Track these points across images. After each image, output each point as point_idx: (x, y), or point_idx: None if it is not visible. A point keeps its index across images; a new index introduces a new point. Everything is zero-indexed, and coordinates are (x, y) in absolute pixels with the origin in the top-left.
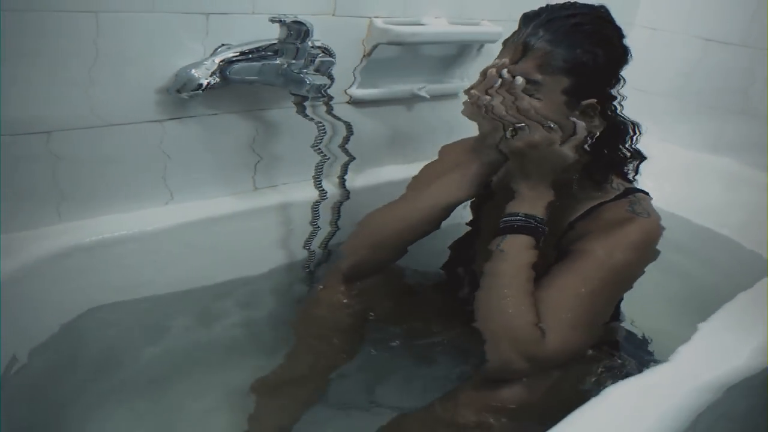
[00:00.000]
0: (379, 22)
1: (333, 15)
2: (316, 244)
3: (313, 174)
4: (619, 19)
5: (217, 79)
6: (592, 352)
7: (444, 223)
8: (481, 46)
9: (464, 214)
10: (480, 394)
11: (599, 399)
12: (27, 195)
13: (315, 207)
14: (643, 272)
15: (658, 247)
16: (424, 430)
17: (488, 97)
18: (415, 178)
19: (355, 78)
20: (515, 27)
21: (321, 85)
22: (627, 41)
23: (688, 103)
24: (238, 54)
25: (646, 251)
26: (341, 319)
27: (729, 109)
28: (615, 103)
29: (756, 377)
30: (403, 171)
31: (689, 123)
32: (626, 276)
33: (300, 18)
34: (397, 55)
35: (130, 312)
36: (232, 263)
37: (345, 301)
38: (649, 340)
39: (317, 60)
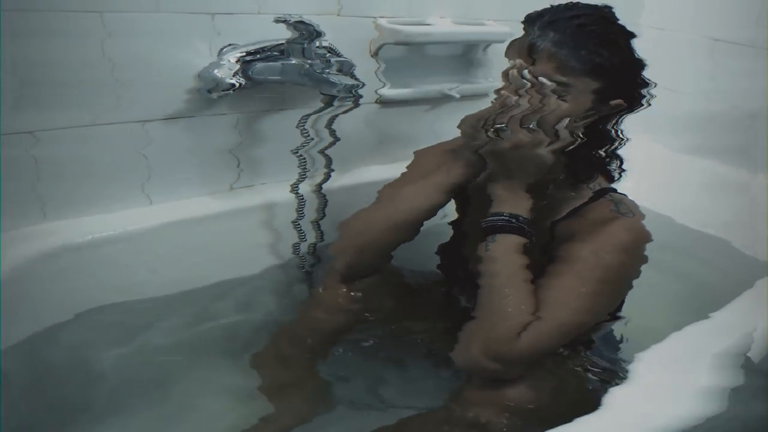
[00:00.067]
0: (384, 22)
1: (338, 15)
2: (305, 245)
3: (297, 177)
4: (623, 18)
5: (242, 80)
6: (565, 352)
7: (443, 221)
8: (487, 46)
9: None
10: (484, 393)
11: (603, 406)
12: (11, 195)
13: (300, 208)
14: (637, 270)
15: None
16: (428, 429)
17: (516, 97)
18: (401, 175)
19: (379, 78)
20: (519, 26)
21: (353, 85)
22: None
23: (686, 103)
24: (247, 53)
25: (638, 250)
26: (338, 319)
27: (725, 109)
28: (643, 101)
29: (756, 377)
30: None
31: (687, 122)
32: (620, 276)
33: (305, 18)
34: (402, 55)
35: (118, 314)
36: (222, 263)
37: (344, 301)
38: (625, 341)
39: (334, 60)
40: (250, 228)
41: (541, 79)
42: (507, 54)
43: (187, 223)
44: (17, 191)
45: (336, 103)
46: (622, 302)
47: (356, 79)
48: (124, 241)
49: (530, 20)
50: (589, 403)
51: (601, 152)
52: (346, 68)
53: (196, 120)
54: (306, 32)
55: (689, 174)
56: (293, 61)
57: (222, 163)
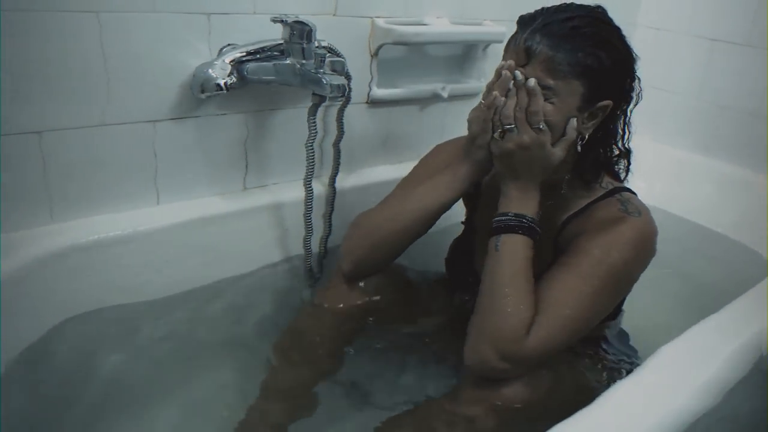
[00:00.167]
0: (381, 23)
1: (334, 15)
2: (314, 243)
3: (305, 173)
4: (620, 19)
5: (235, 79)
6: (578, 349)
7: (446, 222)
8: (487, 45)
9: (463, 212)
10: (481, 391)
11: (600, 402)
12: (19, 195)
13: (308, 204)
14: (642, 271)
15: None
16: (424, 427)
17: (503, 99)
18: (406, 177)
19: (372, 77)
20: (515, 27)
21: (341, 85)
22: (629, 41)
23: (686, 103)
24: (246, 54)
25: (643, 250)
26: (344, 318)
27: (726, 109)
28: (631, 102)
29: (756, 378)
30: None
31: (686, 123)
32: (625, 275)
33: (301, 18)
34: (402, 55)
35: (124, 314)
36: (229, 262)
37: (349, 301)
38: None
39: (327, 60)
40: (258, 227)
41: (531, 80)
42: (504, 56)
43: (195, 223)
44: (25, 191)
45: (327, 102)
46: (623, 300)
47: (348, 78)
48: (132, 241)
49: (524, 23)
50: (586, 400)
51: (608, 152)
52: (339, 68)
53: (201, 120)
54: (303, 32)
55: (698, 173)
56: (287, 61)
57: (230, 163)
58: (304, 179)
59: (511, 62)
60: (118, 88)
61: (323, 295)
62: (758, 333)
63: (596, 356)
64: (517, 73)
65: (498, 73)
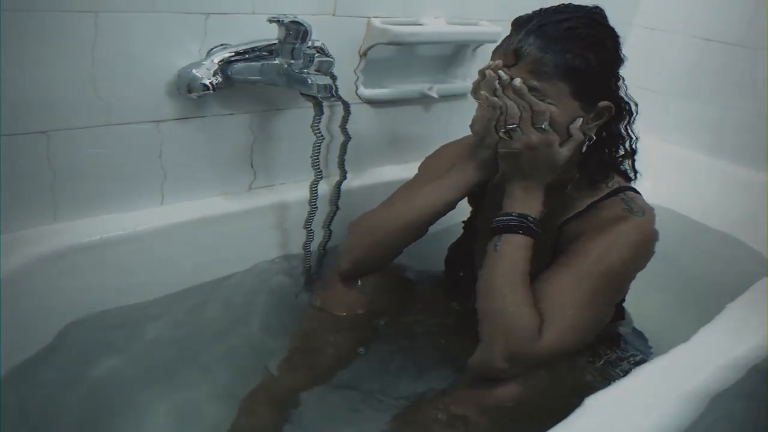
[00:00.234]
0: (377, 22)
1: (333, 15)
2: (315, 243)
3: (313, 176)
4: (618, 19)
5: (220, 79)
6: (590, 352)
7: (446, 223)
8: (477, 46)
9: (466, 213)
10: (475, 391)
11: (599, 401)
12: (23, 194)
13: (312, 205)
14: (640, 270)
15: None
16: (418, 427)
17: (497, 99)
18: (414, 176)
19: (357, 77)
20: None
21: (328, 85)
22: (624, 42)
23: (686, 103)
24: (234, 54)
25: (644, 250)
26: (344, 319)
27: (727, 109)
28: (632, 104)
29: (755, 378)
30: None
31: (686, 122)
32: (624, 275)
33: (299, 18)
34: (394, 54)
35: (128, 313)
36: (232, 263)
37: (346, 301)
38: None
39: (315, 60)
40: (262, 227)
41: (516, 80)
42: (492, 56)
43: (199, 223)
44: (29, 191)
45: (326, 103)
46: (623, 299)
47: (333, 78)
48: (136, 241)
49: (519, 24)
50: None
51: (613, 152)
52: (325, 68)
53: (207, 120)
54: (298, 32)
55: (702, 173)
56: (275, 61)
57: (235, 163)
58: (311, 183)
59: (498, 62)
60: (120, 88)
61: (322, 297)
62: (758, 333)
63: (599, 356)
64: (501, 72)
65: (482, 74)
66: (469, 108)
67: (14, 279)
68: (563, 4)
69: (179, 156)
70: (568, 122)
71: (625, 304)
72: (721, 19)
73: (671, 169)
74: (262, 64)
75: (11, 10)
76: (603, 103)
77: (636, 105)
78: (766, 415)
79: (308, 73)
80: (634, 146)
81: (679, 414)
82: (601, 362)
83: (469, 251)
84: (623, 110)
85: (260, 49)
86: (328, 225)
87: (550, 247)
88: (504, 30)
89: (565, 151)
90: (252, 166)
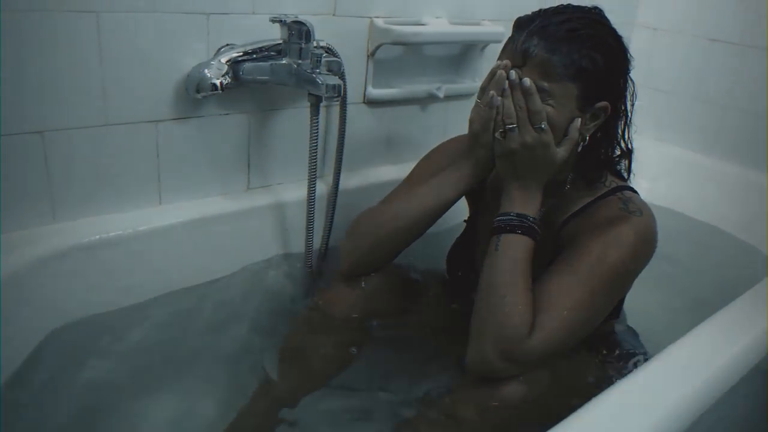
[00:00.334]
0: (380, 23)
1: (333, 15)
2: (315, 243)
3: (308, 173)
4: (619, 19)
5: (229, 80)
6: (588, 351)
7: (447, 222)
8: (485, 46)
9: (466, 212)
10: (478, 391)
11: (598, 401)
12: (22, 195)
13: (310, 204)
14: (641, 270)
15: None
16: (419, 428)
17: (500, 98)
18: (408, 176)
19: (367, 78)
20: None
21: (337, 85)
22: (625, 41)
23: (686, 103)
24: (243, 54)
25: (645, 250)
26: (345, 320)
27: (726, 109)
28: (627, 102)
29: (756, 378)
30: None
31: (686, 122)
32: (624, 275)
33: (300, 18)
34: (400, 55)
35: (127, 313)
36: (230, 262)
37: (349, 302)
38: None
39: (324, 60)
40: (260, 227)
41: (526, 80)
42: (500, 56)
43: (197, 223)
44: (27, 191)
45: (323, 102)
46: (623, 298)
47: (343, 79)
48: (134, 241)
49: (521, 25)
50: (585, 399)
51: (609, 151)
52: (335, 68)
53: (204, 120)
54: (301, 32)
55: (700, 173)
56: (283, 61)
57: (233, 163)
58: (308, 180)
59: (507, 62)
60: (119, 87)
61: (323, 297)
62: (758, 333)
63: (598, 354)
64: (512, 72)
65: (492, 73)
66: (468, 108)
67: (14, 279)
68: (562, 4)
69: (177, 156)
70: (566, 123)
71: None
72: (721, 19)
73: (671, 168)
74: (272, 64)
75: (11, 10)
76: (600, 104)
77: (633, 105)
78: (766, 415)
79: (318, 73)
80: (630, 146)
81: (679, 414)
82: (601, 361)
83: (470, 251)
84: (620, 110)
85: (267, 49)
86: (328, 225)
87: (550, 246)
88: (506, 30)
89: (562, 151)
90: (249, 166)
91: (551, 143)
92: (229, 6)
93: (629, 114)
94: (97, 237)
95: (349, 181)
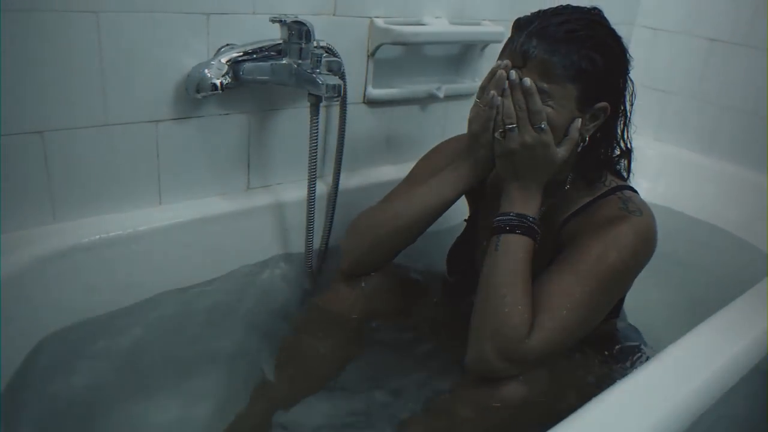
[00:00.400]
0: (380, 23)
1: (333, 15)
2: (315, 243)
3: (308, 173)
4: (619, 19)
5: (230, 80)
6: (588, 350)
7: (448, 222)
8: (485, 46)
9: (466, 211)
10: (479, 391)
11: (599, 401)
12: (22, 195)
13: (310, 204)
14: (641, 270)
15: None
16: (423, 428)
17: (500, 98)
18: (408, 175)
19: (367, 78)
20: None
21: (337, 85)
22: (624, 41)
23: (686, 103)
24: (243, 54)
25: (644, 250)
26: (346, 320)
27: (726, 109)
28: (626, 102)
29: (756, 378)
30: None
31: (686, 122)
32: (624, 275)
33: (300, 18)
34: (400, 55)
35: (127, 312)
36: (230, 262)
37: (349, 302)
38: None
39: (324, 60)
40: (260, 227)
41: (526, 79)
42: (500, 57)
43: (197, 223)
44: (27, 191)
45: (323, 102)
46: (623, 298)
47: (343, 79)
48: (134, 241)
49: (520, 26)
50: (586, 399)
51: (609, 151)
52: (335, 68)
53: (204, 120)
54: (301, 32)
55: (700, 173)
56: (283, 61)
57: (233, 163)
58: (308, 180)
59: (507, 62)
60: (119, 87)
61: (323, 297)
62: (758, 333)
63: (599, 354)
64: (512, 72)
65: (492, 73)
66: (467, 108)
67: (13, 279)
68: (561, 5)
69: (177, 156)
70: (566, 123)
71: (624, 304)
72: (721, 19)
73: (670, 168)
74: (272, 64)
75: (11, 10)
76: (600, 105)
77: (632, 105)
78: (766, 415)
79: (318, 73)
80: (629, 146)
81: (679, 414)
82: (601, 361)
83: (470, 250)
84: (619, 111)
85: (267, 49)
86: (328, 225)
87: (551, 246)
88: (506, 30)
89: (562, 151)
90: (249, 166)
91: (551, 143)
92: (229, 6)
93: (629, 114)
94: (97, 237)
95: (349, 181)
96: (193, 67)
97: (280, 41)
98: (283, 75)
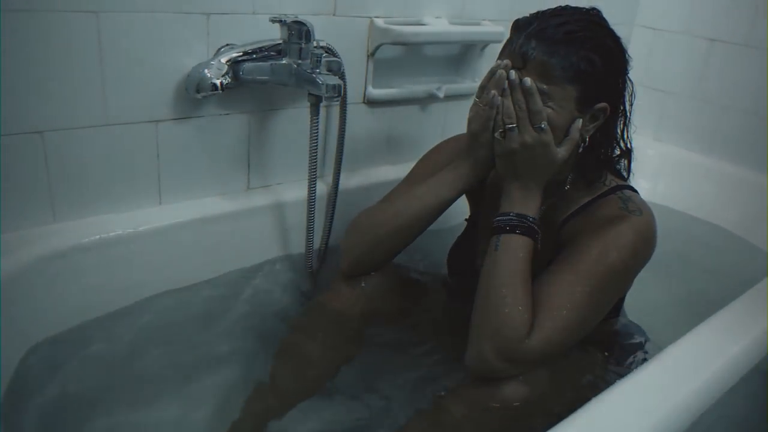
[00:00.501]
0: (380, 22)
1: (333, 15)
2: (315, 242)
3: (308, 173)
4: (619, 19)
5: (230, 80)
6: (588, 350)
7: (448, 222)
8: (485, 46)
9: (466, 211)
10: (479, 391)
11: (599, 401)
12: (22, 195)
13: (310, 203)
14: (640, 270)
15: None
16: (423, 428)
17: (500, 98)
18: (408, 174)
19: (367, 78)
20: None
21: (337, 85)
22: (623, 41)
23: (686, 103)
24: (242, 54)
25: (644, 250)
26: (346, 320)
27: (726, 109)
28: (626, 102)
29: (756, 378)
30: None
31: (686, 122)
32: (624, 274)
33: (300, 18)
34: (400, 55)
35: (127, 312)
36: (230, 262)
37: (349, 302)
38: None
39: (323, 60)
40: (260, 227)
41: (527, 79)
42: (499, 57)
43: (197, 223)
44: (27, 191)
45: (323, 102)
46: (623, 298)
47: (343, 79)
48: (134, 241)
49: (519, 27)
50: (586, 399)
51: (609, 151)
52: (335, 68)
53: (204, 120)
54: (301, 32)
55: (700, 173)
56: (283, 61)
57: (233, 163)
58: (308, 180)
59: (507, 61)
60: (119, 87)
61: (323, 297)
62: (758, 333)
63: (599, 354)
64: (512, 72)
65: (492, 72)
66: (467, 108)
67: (13, 279)
68: (560, 6)
69: (177, 156)
70: (566, 124)
71: (624, 303)
72: (721, 19)
73: (670, 168)
74: (272, 64)
75: (11, 10)
76: (599, 105)
77: (632, 105)
78: (766, 415)
79: (318, 73)
80: (629, 146)
81: (679, 414)
82: (602, 361)
83: (471, 250)
84: (619, 111)
85: (267, 49)
86: (328, 225)
87: (551, 246)
88: (506, 30)
89: (562, 151)
90: (249, 166)
91: (551, 143)
92: (229, 6)
93: (628, 114)
94: (97, 237)
95: (349, 181)
96: (193, 67)
97: (280, 41)
98: (283, 75)
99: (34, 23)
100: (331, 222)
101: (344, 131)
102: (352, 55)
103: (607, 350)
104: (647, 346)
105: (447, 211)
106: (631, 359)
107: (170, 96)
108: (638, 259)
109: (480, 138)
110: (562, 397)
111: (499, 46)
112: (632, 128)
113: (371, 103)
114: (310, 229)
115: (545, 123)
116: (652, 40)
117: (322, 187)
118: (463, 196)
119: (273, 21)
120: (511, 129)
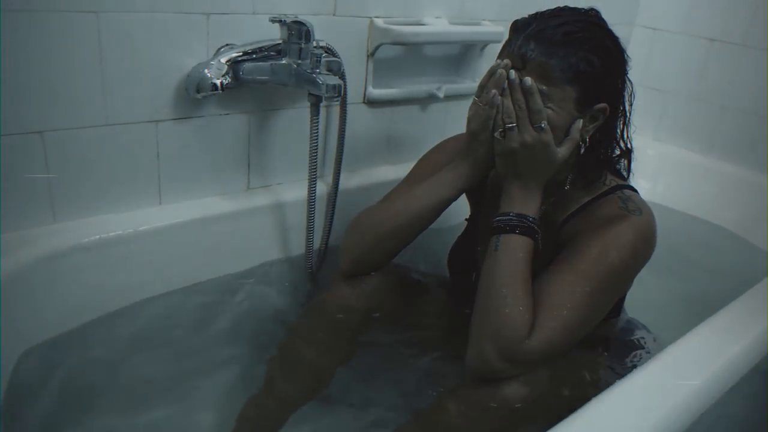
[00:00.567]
0: (380, 22)
1: (333, 15)
2: (315, 243)
3: (308, 173)
4: (619, 19)
5: (230, 80)
6: (589, 350)
7: (449, 222)
8: (485, 46)
9: (467, 210)
10: (479, 391)
11: (599, 401)
12: (22, 195)
13: (311, 203)
14: (640, 269)
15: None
16: (423, 428)
17: (500, 98)
18: (408, 174)
19: (367, 78)
20: None
21: (337, 85)
22: (623, 42)
23: (685, 103)
24: (242, 54)
25: (644, 249)
26: (345, 320)
27: (725, 109)
28: (625, 102)
29: (756, 378)
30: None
31: (686, 122)
32: (624, 274)
33: (300, 18)
34: (400, 55)
35: (127, 312)
36: (230, 263)
37: (349, 302)
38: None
39: (323, 60)
40: (260, 227)
41: (527, 79)
42: (498, 58)
43: (197, 223)
44: (27, 191)
45: (323, 102)
46: (623, 297)
47: (343, 79)
48: (134, 241)
49: (517, 28)
50: (586, 399)
51: (609, 151)
52: (335, 68)
53: (204, 120)
54: (301, 32)
55: (699, 173)
56: (283, 61)
57: (233, 164)
58: (308, 180)
59: (507, 61)
60: (119, 88)
61: (324, 296)
62: (759, 333)
63: (599, 354)
64: (512, 72)
65: (491, 72)
66: (467, 108)
67: (14, 279)
68: (559, 7)
69: (177, 156)
70: (565, 124)
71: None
72: (720, 19)
73: (670, 168)
74: (272, 64)
75: (11, 11)
76: (599, 106)
77: (631, 105)
78: (766, 415)
79: (318, 73)
80: (629, 146)
81: (679, 414)
82: (602, 361)
83: (471, 249)
84: (619, 111)
85: (267, 49)
86: (328, 225)
87: (551, 246)
88: (506, 30)
89: (563, 151)
90: (249, 166)
91: (551, 143)
92: (229, 6)
93: (628, 114)
94: (97, 237)
95: (349, 181)
96: (193, 67)
97: (280, 41)
98: (283, 75)
99: (34, 23)
100: (331, 222)
101: (344, 131)
102: (352, 55)
103: (607, 350)
104: (648, 341)
105: (447, 210)
106: (631, 358)
107: (170, 96)
108: (638, 258)
109: (479, 137)
110: (562, 397)
111: (499, 46)
112: (632, 128)
113: (371, 103)
114: (310, 230)
115: (545, 122)
116: (651, 40)
117: (322, 187)
118: (463, 196)
119: (273, 21)
120: (510, 128)
